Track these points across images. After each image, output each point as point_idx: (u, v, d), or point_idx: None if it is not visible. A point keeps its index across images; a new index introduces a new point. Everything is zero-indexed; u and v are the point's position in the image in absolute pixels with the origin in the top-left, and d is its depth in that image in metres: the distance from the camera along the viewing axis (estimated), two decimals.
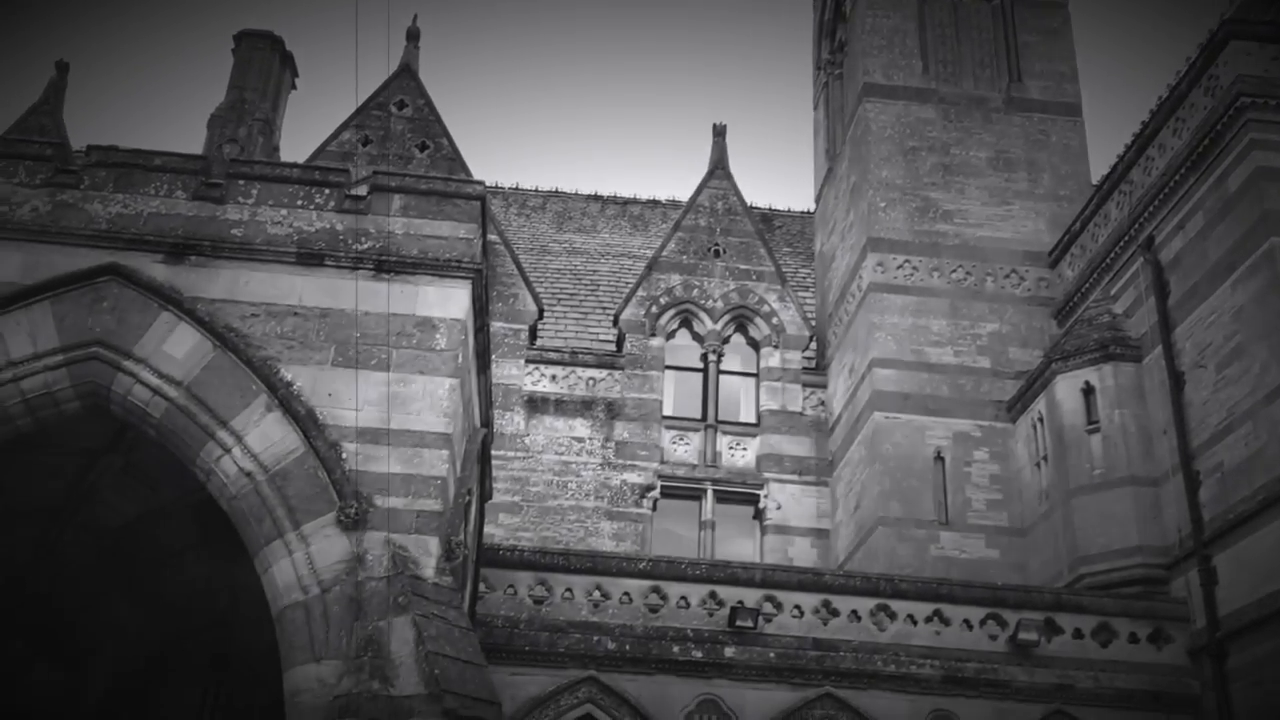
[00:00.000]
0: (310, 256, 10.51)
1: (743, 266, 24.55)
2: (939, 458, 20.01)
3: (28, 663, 13.33)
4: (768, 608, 15.17)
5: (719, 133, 27.01)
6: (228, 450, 9.72)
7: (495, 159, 72.89)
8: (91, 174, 10.81)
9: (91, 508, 13.40)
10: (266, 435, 9.74)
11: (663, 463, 22.81)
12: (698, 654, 14.69)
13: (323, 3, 73.72)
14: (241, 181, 10.85)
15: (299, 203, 10.79)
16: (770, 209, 32.24)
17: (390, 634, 8.96)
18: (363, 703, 8.55)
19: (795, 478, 22.67)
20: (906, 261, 21.69)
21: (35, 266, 10.33)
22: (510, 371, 23.30)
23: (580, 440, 23.11)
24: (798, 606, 15.23)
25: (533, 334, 24.18)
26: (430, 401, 10.14)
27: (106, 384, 10.00)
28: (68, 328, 10.06)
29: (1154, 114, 17.43)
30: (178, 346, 10.00)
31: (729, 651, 14.76)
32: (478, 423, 12.97)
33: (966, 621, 15.28)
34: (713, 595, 15.16)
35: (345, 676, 8.79)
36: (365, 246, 10.64)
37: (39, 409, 10.04)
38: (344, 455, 9.77)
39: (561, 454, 22.99)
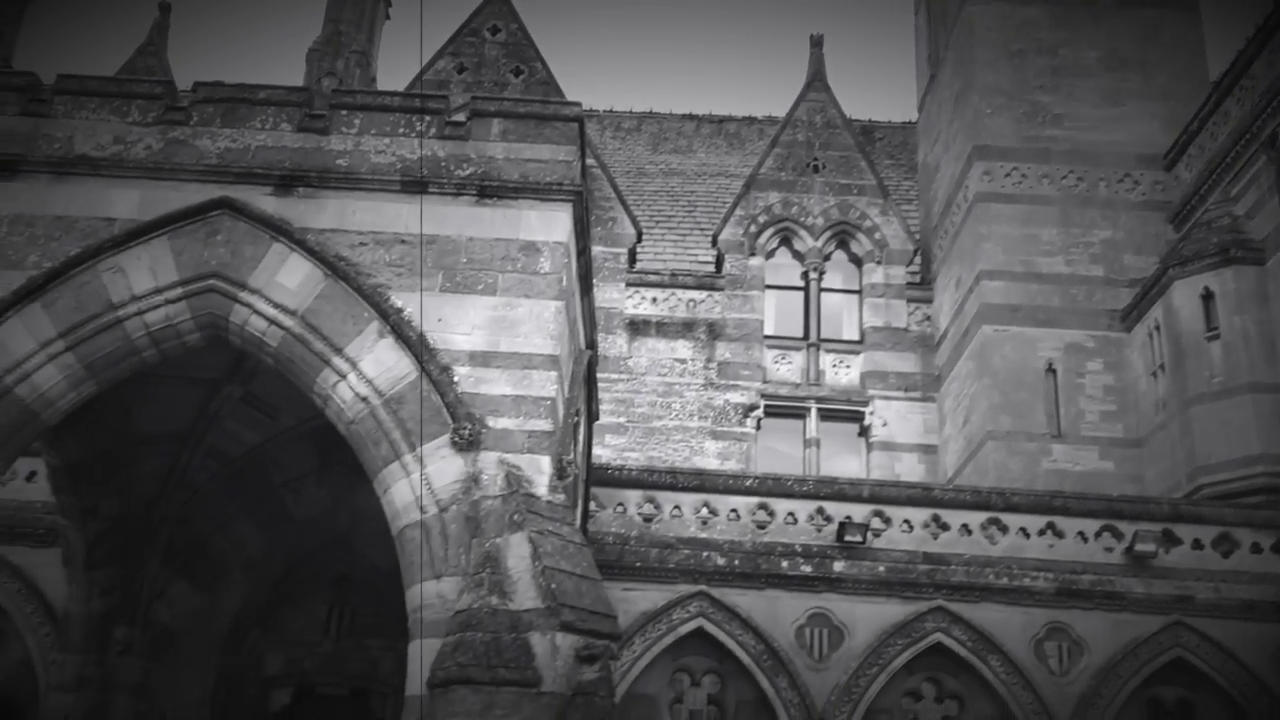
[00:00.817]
0: (414, 184, 10.61)
1: (843, 181, 24.13)
2: (1050, 370, 19.64)
3: (167, 583, 14.01)
4: (876, 523, 15.15)
5: (816, 44, 26.42)
6: (343, 376, 9.96)
7: (588, 82, 72.56)
8: (200, 110, 11.02)
9: (215, 435, 13.93)
10: (380, 361, 9.96)
11: (765, 382, 22.79)
12: (807, 569, 14.79)
13: None
14: (344, 112, 10.96)
15: (401, 131, 10.88)
16: (870, 121, 31.54)
17: (507, 550, 9.17)
18: (482, 617, 8.79)
19: (901, 394, 22.46)
20: (1015, 169, 21.10)
21: (151, 203, 10.62)
22: (611, 295, 23.40)
23: (682, 361, 23.19)
24: (907, 521, 15.18)
25: (632, 257, 24.21)
26: (537, 324, 10.24)
27: (225, 315, 10.30)
28: (185, 262, 10.35)
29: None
30: (290, 277, 10.24)
31: (838, 566, 14.82)
32: (583, 345, 13.08)
33: (1081, 534, 15.07)
34: (820, 511, 15.19)
35: (465, 592, 9.05)
36: (467, 172, 10.71)
37: (162, 341, 10.40)
38: (455, 379, 9.94)
39: (664, 375, 23.12)
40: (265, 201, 10.56)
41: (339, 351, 9.99)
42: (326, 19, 31.77)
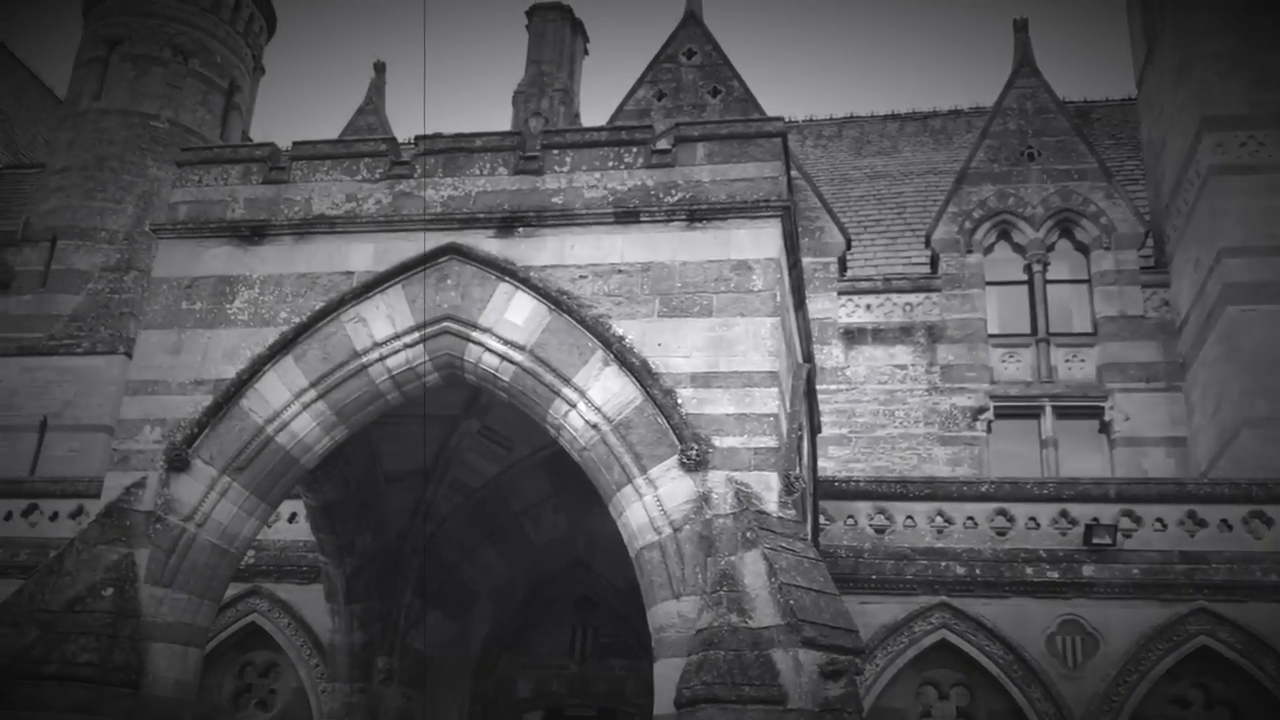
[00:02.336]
0: (626, 215, 10.87)
1: (1061, 166, 23.13)
2: None
3: (421, 612, 14.75)
4: (1125, 523, 14.40)
5: (1020, 28, 25.49)
6: (573, 405, 10.28)
7: (784, 93, 72.25)
8: (422, 163, 11.64)
9: (457, 469, 14.62)
10: (607, 388, 10.22)
11: (993, 382, 22.03)
12: (1053, 574, 14.19)
13: None
14: (556, 151, 11.35)
15: (610, 164, 11.17)
16: (1085, 101, 30.11)
17: (742, 568, 9.23)
18: (723, 635, 8.86)
19: (1142, 385, 21.26)
20: (1250, 138, 19.73)
21: (385, 254, 11.28)
22: (823, 305, 23.17)
23: (902, 367, 22.70)
24: (1159, 519, 14.36)
25: (842, 265, 23.91)
26: (754, 342, 10.28)
27: (459, 354, 10.81)
28: (419, 307, 10.93)
29: None
30: (518, 313, 10.66)
31: (1087, 570, 14.16)
32: (800, 359, 13.03)
33: None
34: (1063, 514, 14.56)
35: (704, 611, 9.15)
36: (676, 198, 10.88)
37: (404, 383, 11.01)
38: (679, 401, 10.09)
39: (884, 383, 22.69)
40: (489, 244, 11.04)
41: (567, 382, 10.32)
42: (529, 61, 32.84)
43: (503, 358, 10.59)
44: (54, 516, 17.07)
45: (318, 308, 11.09)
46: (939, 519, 14.80)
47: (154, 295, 11.60)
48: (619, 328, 10.48)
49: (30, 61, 32.40)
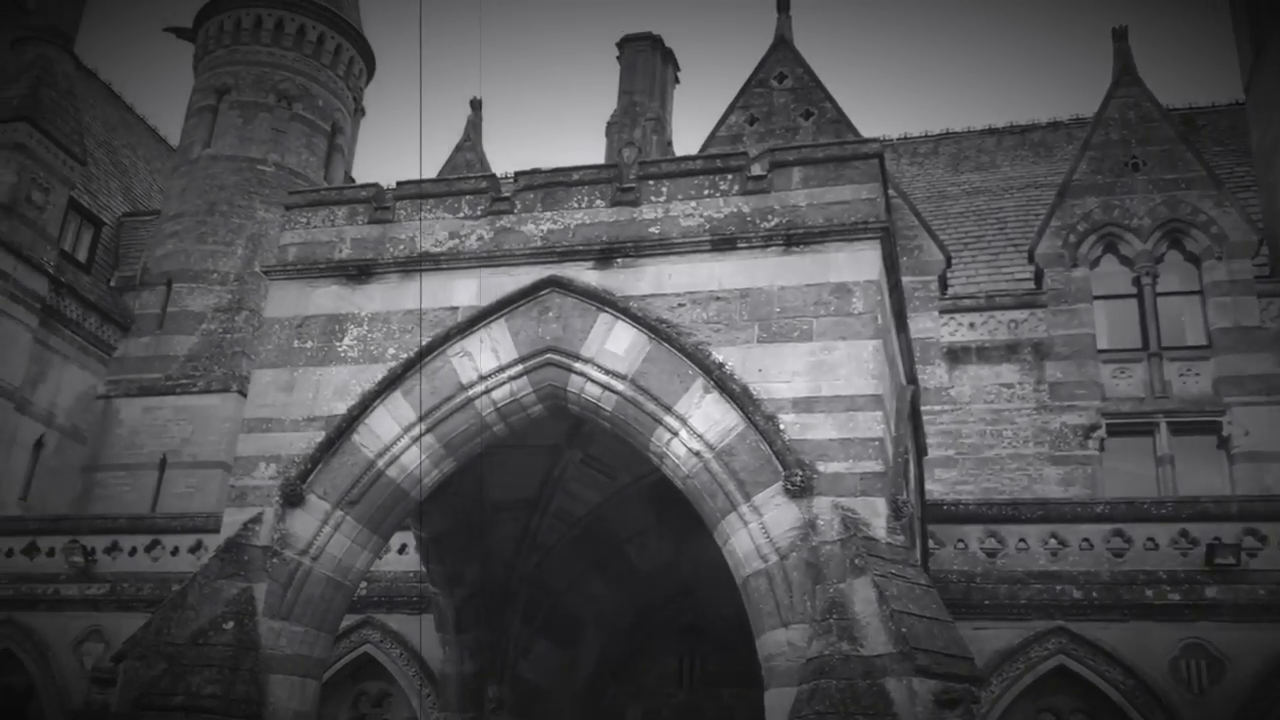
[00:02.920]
0: (723, 242, 10.89)
1: (1168, 176, 22.51)
2: None
3: (529, 641, 14.88)
4: (1249, 542, 13.88)
5: (1120, 37, 24.94)
6: (675, 434, 10.31)
7: (877, 111, 71.68)
8: (521, 198, 11.83)
9: (561, 498, 14.73)
10: (708, 416, 10.23)
11: (1104, 399, 21.45)
12: (1175, 596, 13.73)
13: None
14: (651, 182, 11.44)
15: (705, 192, 11.22)
16: (1190, 108, 29.28)
17: (852, 595, 9.13)
18: (835, 664, 8.77)
19: (1263, 398, 20.48)
20: None
21: (488, 289, 11.47)
22: (925, 325, 22.84)
23: (1009, 386, 22.24)
24: None
25: (943, 283, 23.57)
26: (856, 365, 10.20)
27: (562, 385, 10.93)
28: (523, 340, 11.10)
29: None
30: (618, 343, 10.74)
31: (1210, 592, 13.68)
32: (903, 380, 12.87)
33: None
34: (1183, 534, 14.09)
35: (814, 639, 9.07)
36: (773, 223, 10.87)
37: (509, 415, 11.17)
38: (781, 426, 10.05)
39: (990, 402, 22.25)
40: (588, 275, 11.16)
41: (669, 410, 10.35)
42: (620, 92, 33.17)
43: (605, 388, 10.68)
44: (175, 551, 17.66)
45: (424, 343, 11.32)
46: (1053, 541, 14.44)
47: (266, 335, 11.97)
48: (719, 354, 10.50)
49: (146, 114, 33.79)
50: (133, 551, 17.76)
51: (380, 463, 10.94)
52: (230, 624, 10.24)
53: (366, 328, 11.68)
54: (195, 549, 17.49)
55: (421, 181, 12.49)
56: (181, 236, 25.23)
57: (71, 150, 22.59)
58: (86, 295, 23.37)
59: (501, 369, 11.05)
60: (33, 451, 21.88)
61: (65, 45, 23.36)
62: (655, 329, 10.67)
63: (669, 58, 33.93)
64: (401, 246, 11.92)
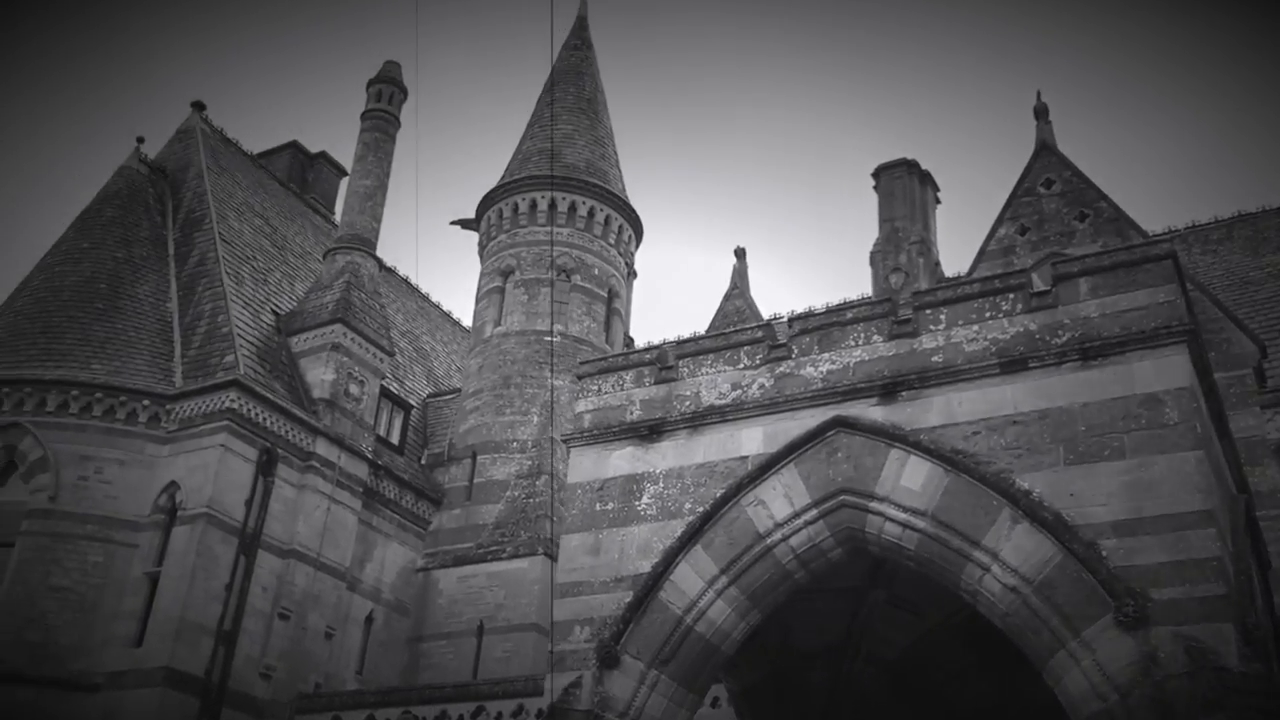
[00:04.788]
0: (1013, 363, 10.56)
1: None
2: None
3: None
4: None
5: None
6: (986, 569, 9.89)
7: (1155, 202, 68.11)
8: (798, 342, 11.96)
9: (869, 641, 14.29)
10: (1020, 547, 9.77)
11: None
12: None
13: (944, 119, 75.74)
14: (928, 311, 11.31)
15: (987, 315, 10.97)
16: None
17: None
18: None
19: None
20: None
21: (774, 435, 11.57)
22: (1246, 423, 20.95)
23: None
24: None
25: (1259, 375, 21.70)
26: (1179, 480, 9.51)
27: (859, 527, 10.76)
28: (814, 483, 11.06)
29: None
30: (913, 479, 10.51)
31: None
32: (1233, 489, 11.86)
33: None
34: None
35: None
36: (1064, 339, 10.47)
37: (809, 561, 11.07)
38: (1103, 553, 9.45)
39: None
40: (873, 412, 11.06)
41: (976, 544, 9.96)
42: (881, 220, 33.12)
43: (905, 526, 10.43)
44: (499, 716, 18.28)
45: (718, 495, 11.49)
46: None
47: (571, 500, 12.47)
48: (1023, 481, 10.07)
49: (440, 300, 36.68)
50: (460, 719, 18.52)
51: (688, 619, 11.04)
52: None
53: (662, 485, 11.98)
54: (517, 713, 18.04)
55: (700, 338, 12.89)
56: (482, 411, 26.87)
57: (380, 344, 24.73)
58: (401, 475, 25.16)
59: (796, 515, 11.03)
60: (364, 627, 23.41)
61: (369, 251, 25.85)
62: (951, 460, 10.38)
63: (927, 179, 33.66)
64: (687, 403, 12.24)
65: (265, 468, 21.04)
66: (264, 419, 21.27)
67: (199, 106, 30.00)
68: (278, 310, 25.05)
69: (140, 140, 27.18)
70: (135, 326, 22.63)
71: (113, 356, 21.73)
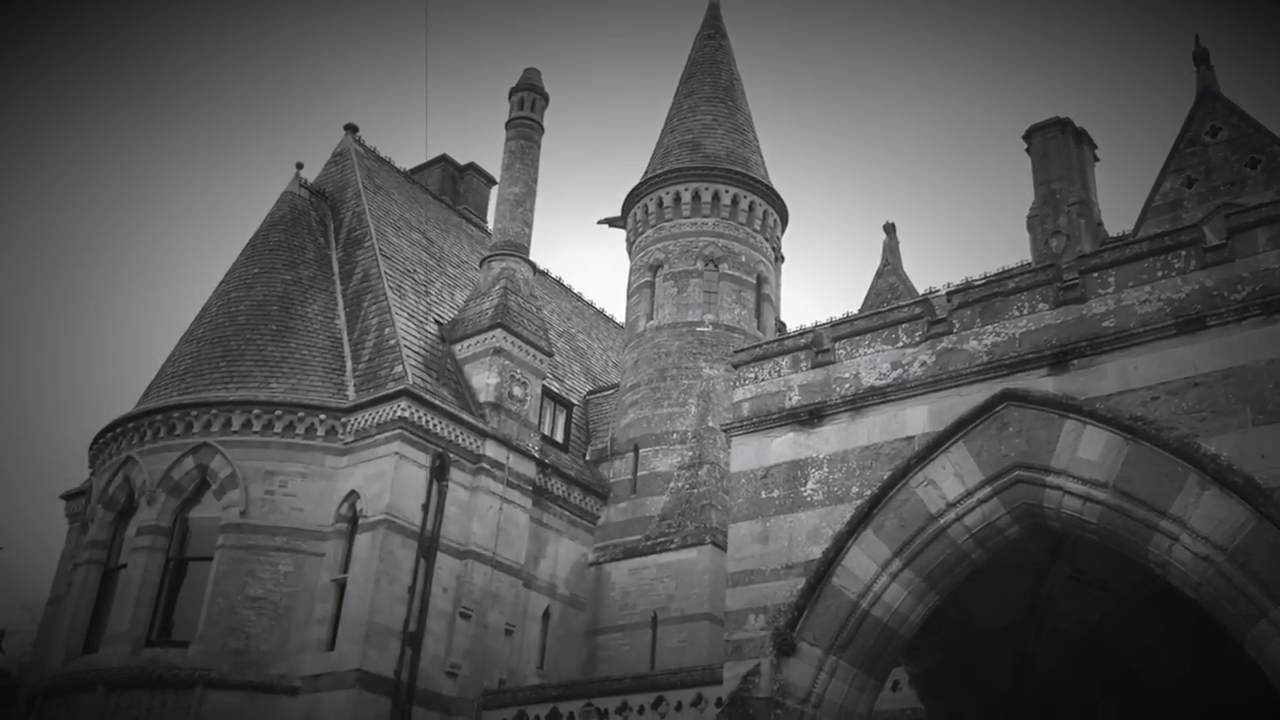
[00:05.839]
0: (1190, 323, 10.10)
1: None
2: None
3: None
4: None
5: None
6: (1175, 539, 9.50)
7: None
8: (959, 316, 11.69)
9: (1053, 618, 13.87)
10: (1210, 514, 9.35)
11: None
12: None
13: (1095, 74, 72.78)
14: (1095, 274, 10.91)
15: (1159, 274, 10.52)
16: None
17: None
18: None
19: None
20: None
21: (939, 413, 11.35)
22: None
23: None
24: None
25: None
26: None
27: (1037, 502, 10.47)
28: (985, 460, 10.81)
29: None
30: (1091, 449, 10.17)
31: None
32: None
33: None
34: None
35: None
36: (1244, 293, 9.95)
37: (985, 540, 10.83)
38: None
39: None
40: (1044, 383, 10.74)
41: (1163, 514, 9.58)
42: (1036, 183, 32.03)
43: (1085, 499, 10.10)
44: (678, 706, 18.47)
45: (885, 477, 11.34)
46: None
47: (736, 490, 12.51)
48: (1209, 445, 9.63)
49: (593, 299, 37.21)
50: (641, 709, 18.78)
51: (864, 603, 10.95)
52: None
53: (827, 469, 11.89)
54: (696, 703, 18.20)
55: (855, 319, 12.73)
56: (640, 405, 27.15)
57: (539, 346, 25.23)
58: (567, 472, 25.63)
59: (969, 493, 10.80)
60: (541, 622, 23.97)
61: (523, 256, 26.40)
62: (1130, 428, 10.00)
63: (1082, 137, 32.40)
64: (847, 385, 12.12)
65: (438, 472, 21.75)
66: (434, 425, 21.98)
67: (352, 129, 31.15)
68: (440, 320, 25.84)
69: (299, 166, 28.41)
70: (307, 344, 23.67)
71: (289, 374, 22.79)
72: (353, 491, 21.32)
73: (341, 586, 20.71)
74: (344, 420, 22.01)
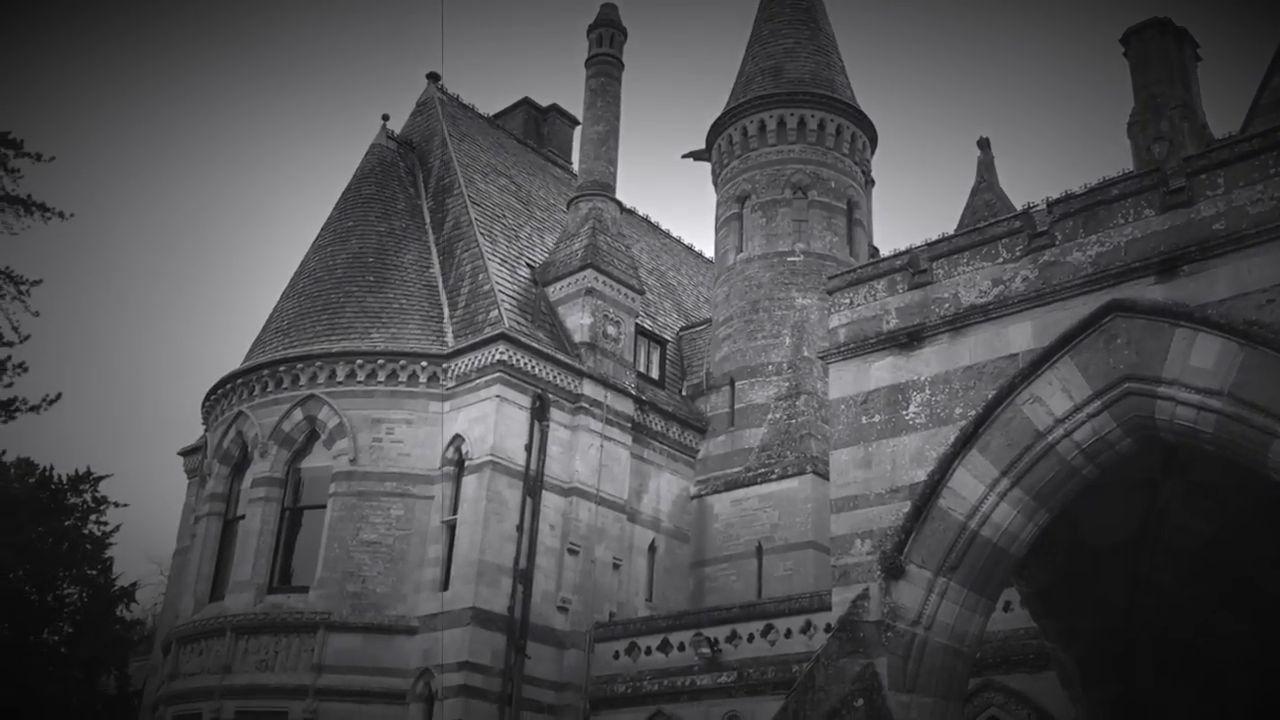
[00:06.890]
0: None
1: None
2: None
3: (1165, 694, 13.73)
4: None
5: None
6: None
7: None
8: (1060, 227, 11.36)
9: (1168, 533, 13.59)
10: None
11: None
12: None
13: None
14: (1203, 175, 10.49)
15: (1270, 171, 10.07)
16: None
17: None
18: None
19: None
20: None
21: (1044, 329, 11.09)
22: None
23: None
24: None
25: None
26: None
27: (1148, 414, 10.21)
28: (1093, 374, 10.55)
29: None
30: (1204, 357, 9.86)
31: None
32: None
33: None
34: None
35: None
36: None
37: (1096, 455, 10.61)
38: None
39: None
40: (1152, 291, 10.42)
41: None
42: (1136, 89, 30.78)
43: (1199, 408, 9.82)
44: (787, 633, 18.61)
45: (990, 396, 11.16)
46: None
47: (835, 416, 12.43)
48: None
49: (681, 234, 37.03)
50: (750, 638, 18.96)
51: (972, 524, 10.84)
52: (860, 701, 10.56)
53: (928, 392, 11.74)
54: (805, 629, 18.30)
55: (953, 237, 12.46)
56: (734, 338, 27.07)
57: (630, 284, 25.26)
58: (665, 408, 25.75)
59: (1078, 409, 10.58)
60: (648, 555, 24.28)
61: (609, 195, 26.35)
62: (1245, 333, 9.66)
63: (1184, 37, 30.97)
64: (946, 305, 11.91)
65: (539, 413, 22.06)
66: (532, 367, 22.26)
67: (434, 78, 31.29)
68: (532, 263, 26.03)
69: (385, 118, 28.67)
70: (405, 294, 24.07)
71: (388, 324, 23.23)
72: (457, 435, 21.75)
73: (452, 528, 21.22)
74: (444, 366, 22.39)
